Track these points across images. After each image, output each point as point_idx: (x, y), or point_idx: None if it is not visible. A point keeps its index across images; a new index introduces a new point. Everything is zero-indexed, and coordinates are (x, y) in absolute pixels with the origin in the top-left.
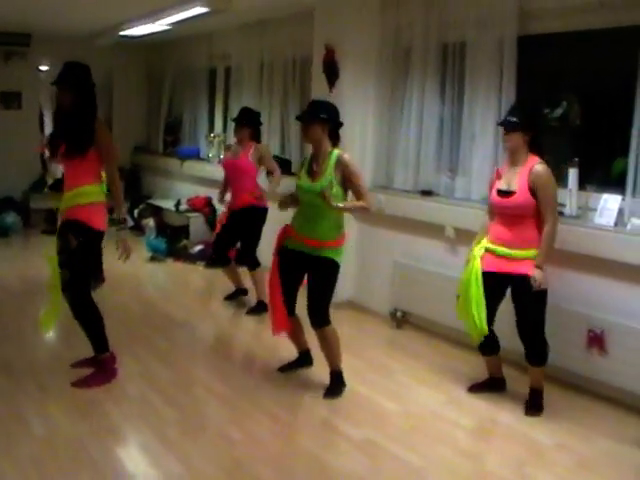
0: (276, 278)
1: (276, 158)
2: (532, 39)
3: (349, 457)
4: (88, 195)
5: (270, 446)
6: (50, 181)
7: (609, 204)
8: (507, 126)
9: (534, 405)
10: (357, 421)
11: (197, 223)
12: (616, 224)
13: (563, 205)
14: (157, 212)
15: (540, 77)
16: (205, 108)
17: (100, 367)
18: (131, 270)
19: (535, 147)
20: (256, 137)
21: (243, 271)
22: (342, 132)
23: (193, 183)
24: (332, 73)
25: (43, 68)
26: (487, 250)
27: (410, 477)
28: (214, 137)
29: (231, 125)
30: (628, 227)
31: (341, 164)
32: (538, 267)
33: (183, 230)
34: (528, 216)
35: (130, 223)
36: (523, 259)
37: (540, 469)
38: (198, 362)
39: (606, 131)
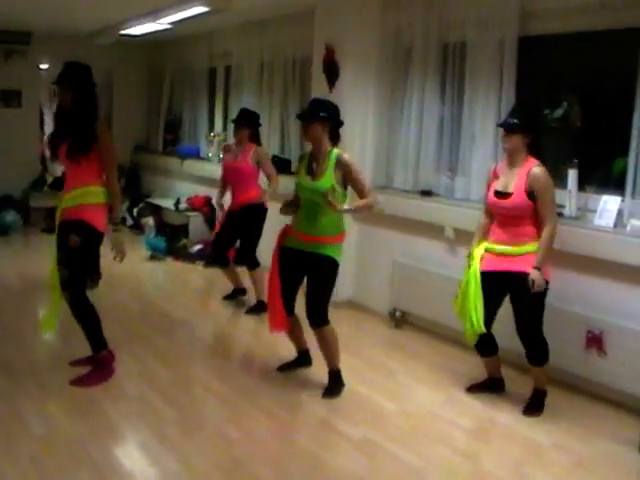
0: (275, 278)
1: (276, 158)
2: (532, 40)
3: (348, 456)
4: (91, 196)
5: (269, 445)
6: (50, 180)
7: (609, 205)
8: (507, 128)
9: (534, 406)
10: (356, 421)
11: (196, 222)
12: (615, 225)
13: (562, 206)
14: (156, 211)
15: (540, 78)
16: (205, 107)
17: (97, 365)
18: (130, 269)
19: (535, 149)
20: (255, 138)
21: (242, 271)
22: (342, 132)
23: (193, 182)
24: (332, 73)
25: (43, 66)
26: (487, 250)
27: (408, 477)
28: (214, 136)
29: (231, 124)
30: (627, 228)
31: (341, 164)
32: (536, 268)
33: (182, 229)
34: (525, 216)
35: (130, 222)
36: (521, 255)
37: (538, 469)
38: (197, 361)
39: (606, 132)
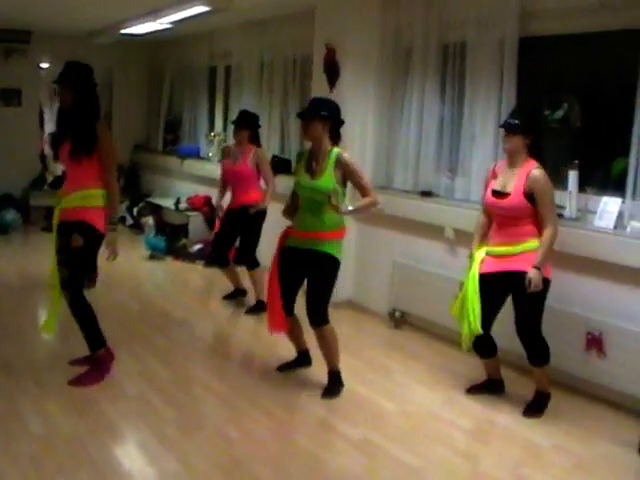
0: (275, 278)
1: (276, 158)
2: (533, 40)
3: (347, 457)
4: (92, 199)
5: (268, 445)
6: (50, 178)
7: (609, 207)
8: (508, 128)
9: (535, 407)
10: (355, 421)
11: (196, 222)
12: (616, 227)
13: (563, 207)
14: (156, 210)
15: (541, 78)
16: (205, 107)
17: (95, 365)
18: (130, 269)
19: (535, 151)
20: (255, 139)
21: (242, 271)
22: (342, 132)
23: (193, 182)
24: (333, 73)
25: (43, 65)
26: (487, 253)
27: (408, 477)
28: (214, 136)
29: (231, 124)
30: (628, 230)
31: (341, 163)
32: (536, 267)
33: (182, 229)
34: (523, 217)
35: (129, 221)
36: (522, 253)
37: (537, 471)
38: (197, 361)
39: (606, 133)
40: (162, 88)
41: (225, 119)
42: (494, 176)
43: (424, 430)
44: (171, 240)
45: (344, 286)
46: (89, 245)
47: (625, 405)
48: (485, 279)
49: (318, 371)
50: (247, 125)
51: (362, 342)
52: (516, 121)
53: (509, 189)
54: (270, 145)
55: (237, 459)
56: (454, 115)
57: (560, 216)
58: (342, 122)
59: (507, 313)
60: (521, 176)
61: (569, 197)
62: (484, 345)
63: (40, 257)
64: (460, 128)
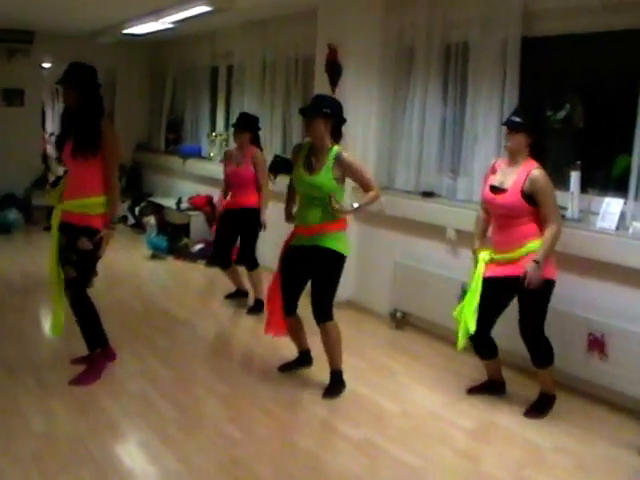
0: (278, 280)
1: (278, 157)
2: (536, 40)
3: (348, 457)
4: (96, 207)
5: (269, 445)
6: (52, 178)
7: (611, 208)
8: (511, 126)
9: (538, 408)
10: (356, 421)
11: (198, 221)
12: (618, 228)
13: (565, 208)
14: (158, 210)
15: (543, 79)
16: (207, 106)
17: (91, 364)
18: (132, 268)
19: (538, 151)
20: (256, 141)
21: (242, 270)
22: (344, 132)
23: (194, 181)
24: (335, 72)
25: (46, 66)
26: (491, 260)
27: (409, 478)
28: (216, 136)
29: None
30: (630, 231)
31: (341, 162)
32: (535, 261)
33: (184, 228)
34: (521, 216)
35: (131, 221)
36: (525, 256)
37: (539, 472)
38: (198, 361)
39: (609, 133)
40: (164, 88)
41: (227, 119)
42: (493, 172)
43: (425, 431)
44: (173, 240)
45: (345, 286)
46: (94, 247)
47: (626, 407)
48: (488, 282)
49: (319, 371)
50: (247, 127)
51: (363, 343)
52: (518, 119)
53: (506, 185)
54: (272, 145)
55: (238, 459)
56: (456, 115)
57: (562, 217)
58: (344, 120)
59: (508, 315)
60: (521, 174)
61: (571, 198)
62: (484, 346)
63: (42, 257)
64: (462, 128)
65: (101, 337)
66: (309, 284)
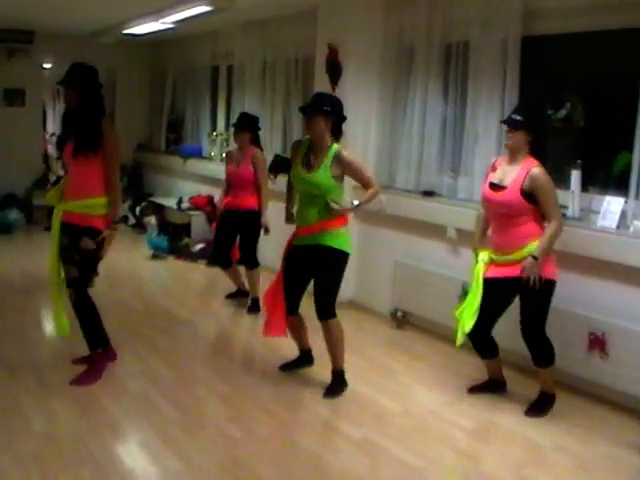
0: (280, 282)
1: (278, 157)
2: (536, 40)
3: (349, 456)
4: (98, 207)
5: (270, 445)
6: (53, 178)
7: (612, 206)
8: (511, 124)
9: (538, 407)
10: (357, 421)
11: (199, 221)
12: (619, 227)
13: (565, 207)
14: (159, 210)
15: (544, 78)
16: (208, 106)
17: (92, 364)
18: (133, 268)
19: (538, 150)
20: (256, 142)
21: (242, 270)
22: (345, 131)
23: (195, 181)
24: (335, 72)
25: (46, 66)
26: (491, 261)
27: (410, 477)
28: (216, 135)
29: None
30: (631, 230)
31: (340, 160)
32: (534, 257)
33: (185, 228)
34: (520, 215)
35: (132, 221)
36: (526, 257)
37: (539, 471)
38: (199, 360)
39: (610, 132)
40: (165, 88)
41: (227, 119)
42: (494, 169)
43: (426, 430)
44: (173, 239)
45: (346, 286)
46: (97, 247)
47: (627, 406)
48: (489, 283)
49: (320, 371)
50: (247, 127)
51: (364, 342)
52: (519, 117)
53: (506, 183)
54: (273, 144)
55: (239, 458)
56: (457, 115)
57: (563, 216)
58: (344, 118)
59: (509, 314)
60: (520, 172)
61: (572, 197)
62: (485, 345)
63: (43, 257)
64: (463, 128)
65: (102, 337)
66: (311, 283)
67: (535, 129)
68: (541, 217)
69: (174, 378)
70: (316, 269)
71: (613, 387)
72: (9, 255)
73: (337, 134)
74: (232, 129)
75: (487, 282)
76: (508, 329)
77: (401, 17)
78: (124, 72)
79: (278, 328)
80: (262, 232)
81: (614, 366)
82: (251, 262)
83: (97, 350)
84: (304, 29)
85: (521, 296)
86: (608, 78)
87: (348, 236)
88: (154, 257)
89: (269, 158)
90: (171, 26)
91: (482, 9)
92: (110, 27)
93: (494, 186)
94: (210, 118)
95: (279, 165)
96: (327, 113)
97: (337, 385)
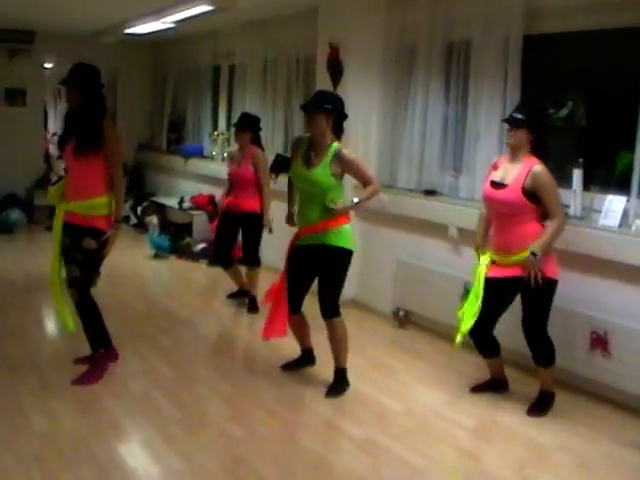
0: (284, 282)
1: (280, 157)
2: (538, 38)
3: (351, 456)
4: (101, 207)
5: (272, 444)
6: (54, 178)
7: (614, 205)
8: (512, 122)
9: (539, 407)
10: (359, 420)
11: (200, 221)
12: (620, 225)
13: (567, 206)
14: (160, 210)
15: (545, 77)
16: (209, 106)
17: (94, 364)
18: (134, 268)
19: (539, 149)
20: (257, 142)
21: (243, 269)
22: (346, 131)
23: (196, 181)
24: (336, 71)
25: (48, 65)
26: (493, 262)
27: (411, 477)
28: (218, 135)
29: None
30: (633, 228)
31: (341, 159)
32: (532, 254)
33: (186, 228)
34: (522, 214)
35: (133, 220)
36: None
37: (541, 470)
38: (200, 360)
39: (611, 131)
40: (166, 87)
41: (229, 118)
42: (495, 168)
43: (428, 429)
44: (175, 239)
45: (348, 285)
46: (99, 247)
47: (630, 405)
48: (490, 282)
49: (322, 370)
50: (248, 127)
51: (366, 341)
52: (519, 115)
53: (507, 181)
54: (274, 144)
55: (241, 458)
56: (458, 114)
57: (565, 215)
58: (345, 116)
59: (510, 314)
60: (522, 170)
61: (574, 196)
62: (486, 344)
63: (45, 256)
64: (464, 127)
65: (104, 337)
66: (315, 282)
67: (536, 127)
68: (542, 217)
69: (176, 378)
70: (320, 268)
71: (615, 386)
72: (10, 255)
73: (338, 132)
74: (233, 129)
75: (488, 282)
76: (510, 328)
77: (402, 16)
78: (125, 72)
79: (279, 328)
80: (266, 232)
81: (616, 365)
82: (252, 261)
83: (99, 350)
84: (305, 28)
85: (523, 295)
86: (610, 77)
87: (351, 232)
88: (156, 257)
89: (270, 158)
90: (172, 26)
91: (483, 8)
92: (111, 27)
93: (495, 184)
94: (211, 118)
95: (280, 165)
96: (328, 111)
97: (339, 384)
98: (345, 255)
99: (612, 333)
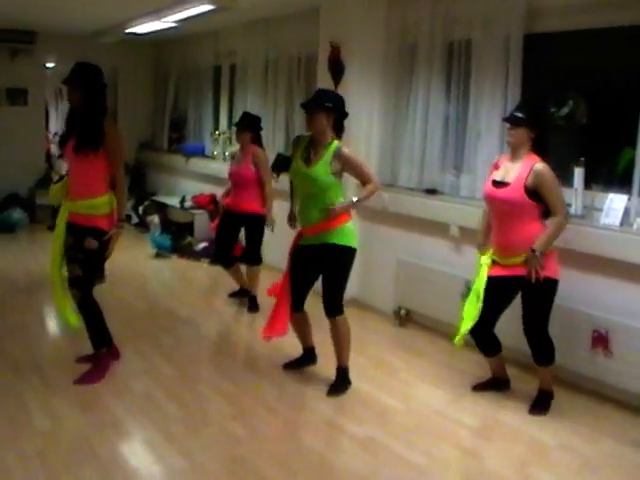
0: (287, 282)
1: (281, 156)
2: (538, 37)
3: (352, 455)
4: (102, 207)
5: (273, 443)
6: (56, 177)
7: (615, 204)
8: (512, 121)
9: (540, 405)
10: (360, 419)
11: (202, 220)
12: (622, 224)
13: (569, 205)
14: (162, 209)
15: (546, 75)
16: (210, 105)
17: (96, 363)
18: (136, 267)
19: (540, 147)
20: (257, 141)
21: (243, 268)
22: (347, 130)
23: (198, 180)
24: (337, 71)
25: (49, 65)
26: (494, 262)
27: (412, 475)
28: (219, 134)
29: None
30: (634, 227)
31: (340, 157)
32: (532, 251)
33: (188, 227)
34: (523, 213)
35: (135, 220)
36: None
37: (543, 469)
38: (202, 359)
39: (612, 130)
40: (167, 87)
41: (230, 117)
42: (496, 168)
43: (429, 428)
44: (176, 238)
45: (349, 284)
46: (101, 247)
47: (631, 404)
48: (491, 281)
49: (323, 369)
50: (249, 127)
51: (367, 340)
52: (520, 114)
53: (509, 179)
54: (275, 143)
55: (242, 457)
56: (459, 112)
57: (567, 213)
58: (346, 114)
59: (511, 312)
60: (524, 169)
61: (575, 194)
62: (487, 343)
63: (46, 256)
64: (465, 125)
65: (106, 336)
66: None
67: (537, 126)
68: (544, 215)
69: (177, 377)
70: (324, 267)
71: (617, 385)
72: (12, 254)
73: (339, 131)
74: (234, 128)
75: (490, 280)
76: (511, 327)
77: (403, 15)
78: (126, 71)
79: (280, 326)
80: (269, 230)
81: (618, 364)
82: (253, 259)
83: (101, 350)
84: (306, 28)
85: (524, 295)
86: (611, 75)
87: (353, 230)
88: (157, 256)
89: (271, 157)
90: (173, 25)
91: (484, 7)
92: (112, 26)
93: (497, 183)
94: (212, 117)
95: (282, 164)
96: (329, 109)
97: (341, 383)
98: (348, 253)
99: (613, 332)
